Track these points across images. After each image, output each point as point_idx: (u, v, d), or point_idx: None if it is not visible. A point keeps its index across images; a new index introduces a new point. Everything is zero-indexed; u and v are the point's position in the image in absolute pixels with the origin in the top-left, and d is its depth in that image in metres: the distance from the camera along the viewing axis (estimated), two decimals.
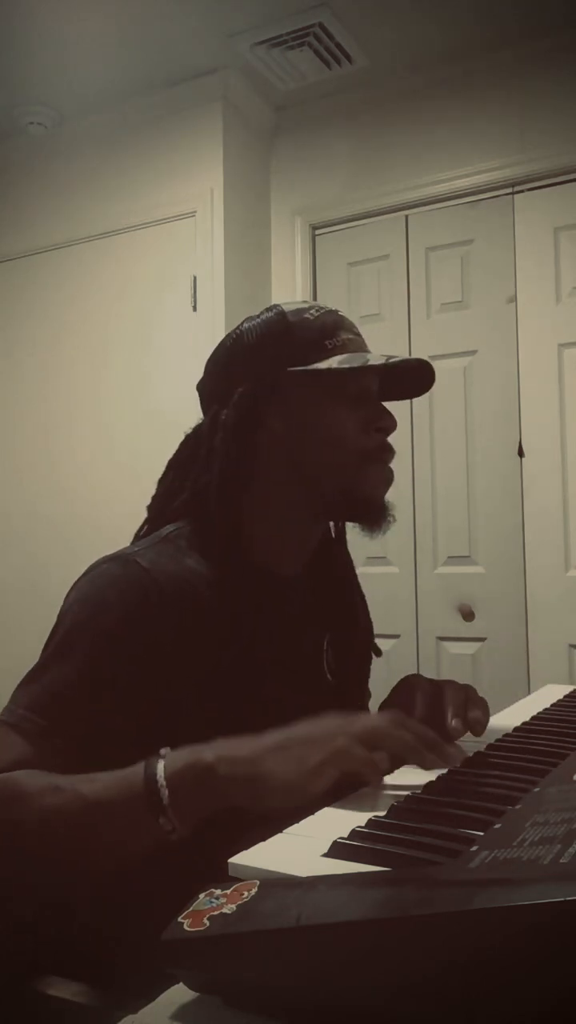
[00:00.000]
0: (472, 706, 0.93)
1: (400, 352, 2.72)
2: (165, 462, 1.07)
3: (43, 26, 2.48)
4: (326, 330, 0.97)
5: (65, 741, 0.82)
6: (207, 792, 0.73)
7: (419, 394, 1.06)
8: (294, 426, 0.97)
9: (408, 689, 1.00)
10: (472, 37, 2.57)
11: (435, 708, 0.93)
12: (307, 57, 2.63)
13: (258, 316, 1.00)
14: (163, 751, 0.77)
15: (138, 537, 1.03)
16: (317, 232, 2.95)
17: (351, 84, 2.79)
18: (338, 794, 0.74)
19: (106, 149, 2.96)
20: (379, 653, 1.13)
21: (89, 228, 2.96)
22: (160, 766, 0.74)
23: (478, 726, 0.90)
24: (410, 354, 2.72)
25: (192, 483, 1.00)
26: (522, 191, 2.63)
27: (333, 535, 1.10)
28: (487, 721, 0.92)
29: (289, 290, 2.93)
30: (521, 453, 2.58)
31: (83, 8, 2.41)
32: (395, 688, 1.07)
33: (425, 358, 1.01)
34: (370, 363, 0.94)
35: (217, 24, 2.50)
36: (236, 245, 2.80)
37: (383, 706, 1.08)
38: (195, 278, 2.77)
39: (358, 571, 1.14)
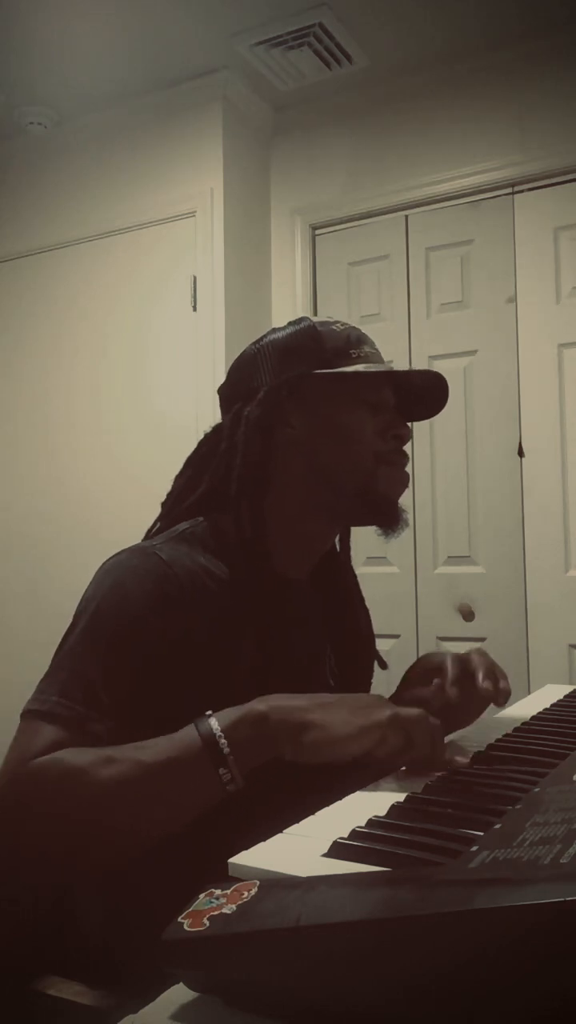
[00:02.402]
0: (499, 675, 0.98)
1: (400, 353, 2.72)
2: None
3: (43, 26, 2.48)
4: (351, 341, 1.02)
5: (100, 724, 0.83)
6: (261, 739, 0.78)
7: (430, 416, 1.10)
8: (315, 426, 1.01)
9: (435, 658, 1.05)
10: (472, 37, 2.57)
11: (464, 672, 0.98)
12: (307, 57, 2.63)
13: (287, 326, 1.05)
14: (208, 712, 0.80)
15: (150, 533, 1.04)
16: (317, 232, 2.95)
17: (351, 84, 2.79)
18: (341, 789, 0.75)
19: (106, 149, 2.96)
20: (385, 666, 1.14)
21: (89, 228, 2.96)
22: (213, 722, 0.78)
23: (503, 695, 0.95)
24: (410, 355, 2.74)
25: (210, 476, 1.02)
26: (522, 191, 2.63)
27: (338, 547, 1.12)
28: (510, 691, 0.97)
29: (289, 290, 2.93)
30: (521, 453, 2.58)
31: (83, 8, 2.41)
32: (418, 663, 1.11)
33: (440, 372, 1.06)
34: (394, 369, 1.01)
35: (217, 24, 2.50)
36: (236, 245, 2.80)
37: (405, 682, 1.10)
38: (195, 278, 2.77)
39: (358, 571, 1.15)
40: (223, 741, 0.77)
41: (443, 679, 0.97)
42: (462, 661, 0.99)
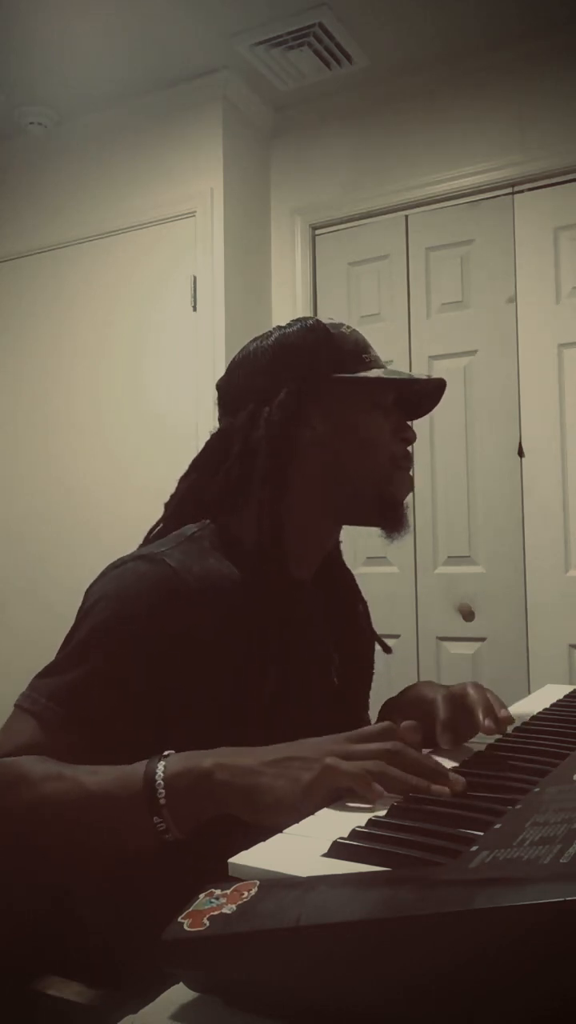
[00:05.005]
0: (498, 705, 0.94)
1: (401, 353, 2.72)
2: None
3: (43, 26, 2.48)
4: (360, 345, 1.04)
5: (83, 734, 0.83)
6: (203, 796, 0.74)
7: (422, 416, 1.11)
8: (335, 428, 1.01)
9: (427, 692, 1.01)
10: (472, 37, 2.57)
11: (458, 711, 0.94)
12: (307, 57, 2.63)
13: (294, 324, 1.04)
14: (166, 752, 0.78)
15: (151, 534, 1.03)
16: (317, 232, 2.95)
17: (351, 84, 2.79)
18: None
19: (106, 149, 2.96)
20: (389, 650, 1.14)
21: (89, 228, 2.96)
22: (160, 767, 0.75)
23: (506, 723, 0.91)
24: (410, 355, 2.74)
25: (223, 478, 1.01)
26: (522, 191, 2.63)
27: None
28: (512, 719, 0.93)
29: (289, 290, 2.93)
30: (521, 453, 2.58)
31: (83, 8, 2.41)
32: (407, 693, 1.07)
33: (443, 379, 1.09)
34: (416, 378, 1.03)
35: (217, 24, 2.50)
36: (236, 245, 2.80)
37: (387, 708, 1.08)
38: (195, 278, 2.77)
39: (358, 571, 1.16)
40: (161, 791, 0.74)
41: (435, 723, 0.92)
42: (455, 699, 0.94)
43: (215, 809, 0.74)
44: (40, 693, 0.86)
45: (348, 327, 1.05)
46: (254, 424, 1.00)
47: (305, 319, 1.05)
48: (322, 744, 0.76)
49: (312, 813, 0.70)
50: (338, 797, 0.72)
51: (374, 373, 1.01)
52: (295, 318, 1.07)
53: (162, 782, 0.74)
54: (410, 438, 1.05)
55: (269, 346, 1.03)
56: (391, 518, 1.03)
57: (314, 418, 1.00)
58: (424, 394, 1.09)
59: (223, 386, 1.07)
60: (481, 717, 0.90)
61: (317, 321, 1.04)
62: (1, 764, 0.81)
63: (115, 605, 0.89)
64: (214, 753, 0.76)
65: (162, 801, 0.74)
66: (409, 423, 1.07)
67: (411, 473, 1.06)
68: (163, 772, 0.75)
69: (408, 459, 1.05)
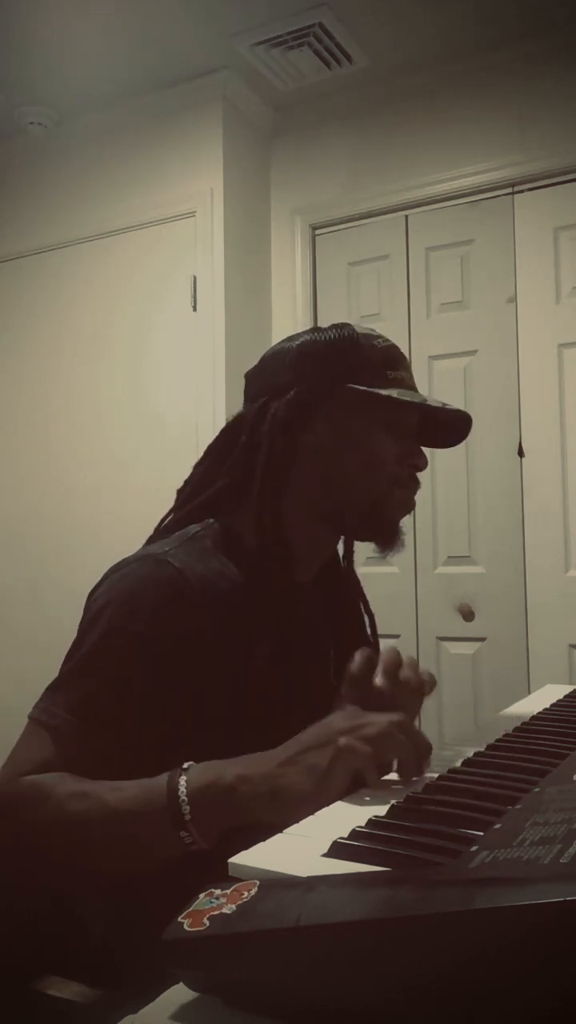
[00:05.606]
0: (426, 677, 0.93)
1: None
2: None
3: (43, 26, 2.48)
4: (389, 361, 1.01)
5: (100, 743, 0.84)
6: (227, 809, 0.75)
7: (447, 446, 1.09)
8: (338, 437, 1.00)
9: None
10: (472, 37, 2.57)
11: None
12: (307, 57, 2.63)
13: (328, 329, 1.03)
14: (186, 765, 0.78)
15: (162, 525, 1.04)
16: (317, 232, 2.95)
17: (351, 84, 2.79)
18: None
19: (106, 149, 2.96)
20: None
21: (89, 228, 2.96)
22: (183, 782, 0.76)
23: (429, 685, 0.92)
24: (410, 355, 2.73)
25: (229, 469, 1.01)
26: (522, 191, 2.63)
27: (341, 552, 1.12)
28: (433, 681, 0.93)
29: (289, 290, 2.93)
30: (521, 453, 2.58)
31: (83, 8, 2.41)
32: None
33: (468, 412, 1.05)
34: (427, 403, 0.99)
35: (217, 24, 2.50)
36: (236, 245, 2.80)
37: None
38: (195, 278, 2.77)
39: (358, 571, 1.15)
40: (186, 807, 0.75)
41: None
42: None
43: (241, 820, 0.75)
44: (56, 706, 0.86)
45: (383, 340, 1.03)
46: (262, 418, 1.00)
47: (342, 325, 1.03)
48: (332, 724, 0.78)
49: (338, 798, 0.73)
50: (359, 778, 0.75)
51: (391, 391, 0.98)
52: (335, 323, 1.05)
53: (186, 797, 0.75)
54: (419, 465, 1.02)
55: (296, 345, 1.02)
56: (382, 535, 1.02)
57: (319, 424, 1.00)
58: (445, 424, 1.06)
59: (250, 376, 1.07)
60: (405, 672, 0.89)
61: (351, 329, 1.02)
62: (24, 783, 0.81)
63: (121, 610, 0.89)
64: (233, 764, 0.77)
65: (187, 817, 0.75)
66: (424, 454, 1.03)
67: (414, 496, 1.03)
68: (186, 787, 0.76)
69: (412, 481, 1.02)
